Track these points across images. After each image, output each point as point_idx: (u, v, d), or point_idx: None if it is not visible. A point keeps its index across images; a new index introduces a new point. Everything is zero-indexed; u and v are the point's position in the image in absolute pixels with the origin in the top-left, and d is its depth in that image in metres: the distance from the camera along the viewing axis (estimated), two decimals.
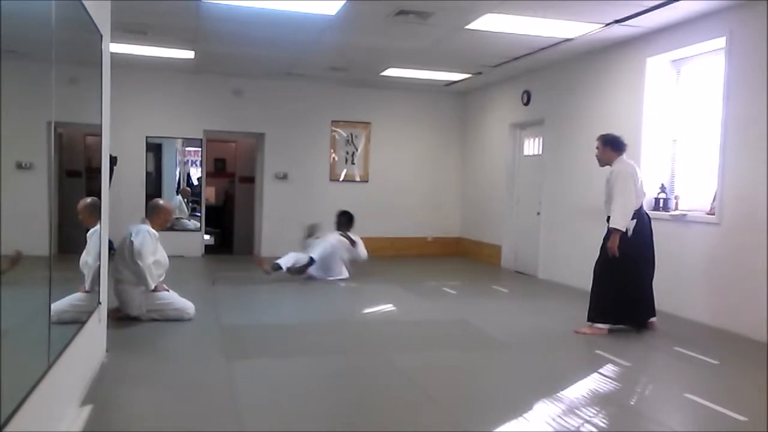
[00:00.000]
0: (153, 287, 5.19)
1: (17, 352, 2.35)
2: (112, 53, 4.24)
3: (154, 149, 10.32)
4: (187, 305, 5.33)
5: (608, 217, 5.22)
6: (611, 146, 5.29)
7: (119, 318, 5.15)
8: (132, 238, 5.16)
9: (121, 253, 5.24)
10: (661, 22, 6.00)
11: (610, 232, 5.14)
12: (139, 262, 5.11)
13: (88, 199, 3.75)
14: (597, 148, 5.38)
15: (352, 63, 8.33)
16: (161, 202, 5.63)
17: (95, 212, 3.72)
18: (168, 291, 5.34)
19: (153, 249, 5.25)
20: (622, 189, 5.11)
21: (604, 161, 5.36)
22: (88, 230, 3.61)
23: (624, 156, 5.29)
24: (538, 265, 8.36)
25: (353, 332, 5.26)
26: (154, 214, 5.45)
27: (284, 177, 9.84)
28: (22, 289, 2.55)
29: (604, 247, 5.25)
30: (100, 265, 3.82)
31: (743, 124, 5.36)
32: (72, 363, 3.05)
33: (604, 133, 5.45)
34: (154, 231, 5.31)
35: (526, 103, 8.74)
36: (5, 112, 1.94)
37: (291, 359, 4.42)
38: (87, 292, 3.53)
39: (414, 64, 8.26)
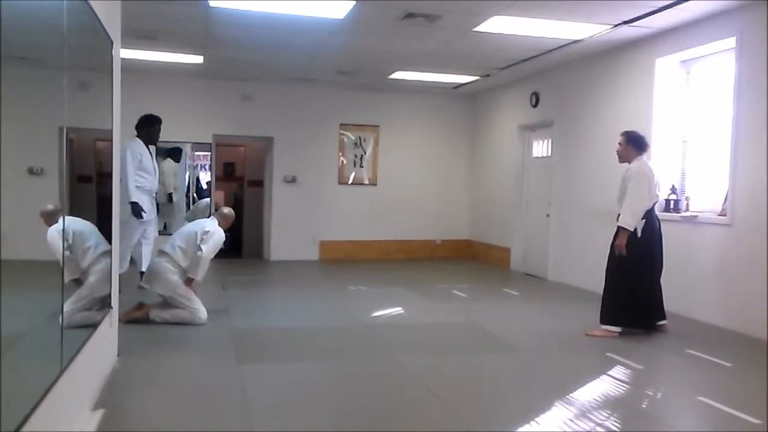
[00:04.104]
0: (200, 278, 5.38)
1: (30, 356, 2.37)
2: (122, 59, 4.27)
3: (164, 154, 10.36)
4: (200, 309, 5.36)
5: (619, 215, 5.20)
6: (634, 144, 5.26)
7: (131, 320, 5.18)
8: (207, 228, 5.40)
9: (186, 239, 5.39)
10: (671, 23, 5.97)
11: (619, 230, 5.13)
12: (202, 248, 5.28)
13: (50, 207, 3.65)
14: (619, 143, 5.34)
15: (360, 66, 8.34)
16: (225, 210, 5.80)
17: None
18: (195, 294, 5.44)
19: (216, 247, 5.46)
20: (635, 189, 5.08)
21: (624, 158, 5.33)
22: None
23: (644, 156, 5.27)
24: (548, 268, 8.33)
25: (363, 335, 5.26)
26: (221, 217, 5.69)
27: (293, 180, 9.86)
28: (35, 294, 2.57)
29: (613, 248, 5.23)
30: (111, 271, 3.84)
31: (754, 124, 5.33)
32: (84, 367, 3.07)
33: (627, 130, 5.43)
34: (223, 233, 5.56)
35: (535, 105, 8.72)
36: (18, 118, 1.96)
37: (301, 362, 4.42)
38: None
39: (422, 66, 8.26)
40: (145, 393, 3.74)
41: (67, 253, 3.21)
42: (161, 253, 5.43)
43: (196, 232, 5.42)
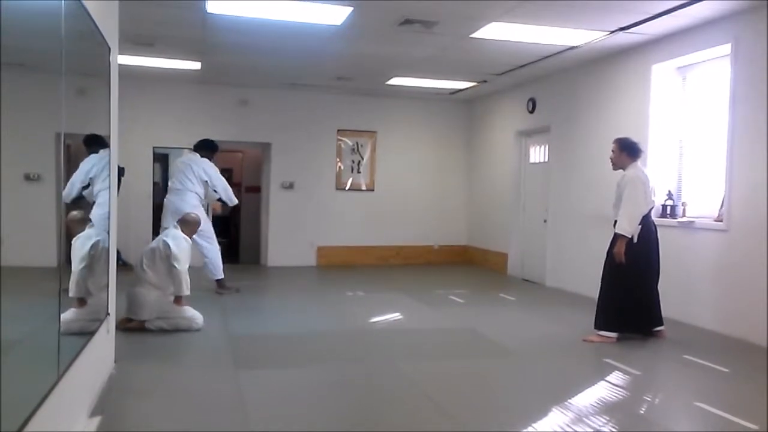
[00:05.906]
0: (188, 293, 5.30)
1: (28, 363, 2.36)
2: (119, 65, 4.27)
3: (161, 160, 10.36)
4: (196, 315, 5.35)
5: (615, 222, 5.21)
6: (627, 151, 5.27)
7: (128, 328, 5.16)
8: (169, 242, 5.34)
9: (150, 257, 5.35)
10: (666, 29, 6.00)
11: (616, 237, 5.14)
12: (176, 265, 5.25)
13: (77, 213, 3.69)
14: (612, 150, 5.36)
15: (357, 72, 8.36)
16: (188, 217, 5.86)
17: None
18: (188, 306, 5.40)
19: (188, 256, 5.45)
20: (631, 195, 5.09)
21: (617, 165, 5.34)
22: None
23: (638, 162, 5.28)
24: (545, 273, 8.33)
25: (361, 341, 5.25)
26: (185, 225, 5.73)
27: (290, 186, 9.86)
28: (32, 301, 2.56)
29: (610, 254, 5.24)
30: (108, 279, 3.84)
31: (750, 130, 5.35)
32: (81, 374, 3.06)
33: (619, 137, 5.44)
34: (189, 239, 5.57)
35: (532, 111, 8.74)
36: (15, 123, 1.96)
37: (299, 368, 4.42)
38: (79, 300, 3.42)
39: (419, 72, 8.28)
40: (143, 399, 3.73)
41: (85, 271, 3.23)
42: (136, 278, 5.37)
43: (159, 248, 5.38)
